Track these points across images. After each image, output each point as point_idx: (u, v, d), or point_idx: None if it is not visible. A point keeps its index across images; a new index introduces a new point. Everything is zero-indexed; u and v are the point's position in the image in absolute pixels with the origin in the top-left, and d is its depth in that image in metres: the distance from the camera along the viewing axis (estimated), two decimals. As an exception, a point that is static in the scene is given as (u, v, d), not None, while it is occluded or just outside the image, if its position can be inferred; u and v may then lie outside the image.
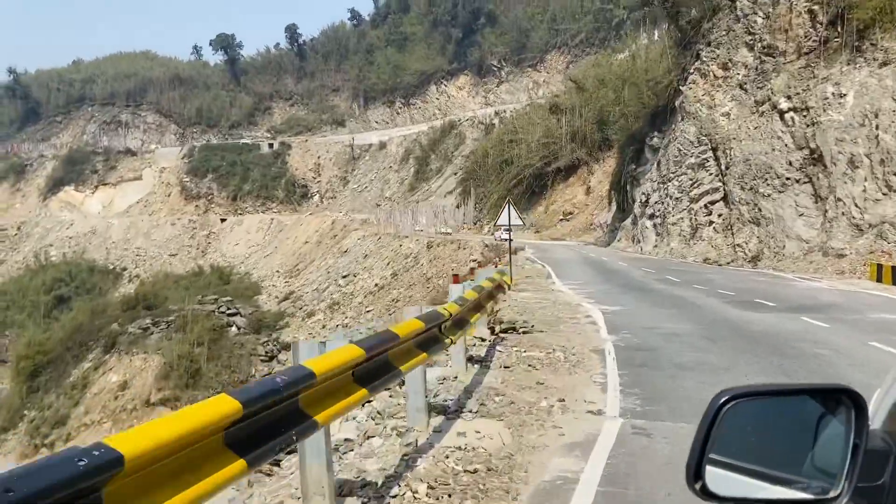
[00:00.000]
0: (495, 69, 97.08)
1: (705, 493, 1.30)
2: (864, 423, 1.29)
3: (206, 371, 29.64)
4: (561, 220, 54.86)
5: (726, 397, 1.33)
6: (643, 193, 37.99)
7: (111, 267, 78.29)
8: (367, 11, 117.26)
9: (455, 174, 68.80)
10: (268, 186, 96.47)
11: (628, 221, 41.37)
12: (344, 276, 45.24)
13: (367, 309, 34.02)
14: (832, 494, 1.26)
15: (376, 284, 37.88)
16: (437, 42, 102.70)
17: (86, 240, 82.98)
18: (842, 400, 1.33)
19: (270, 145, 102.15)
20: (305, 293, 49.45)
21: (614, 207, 46.49)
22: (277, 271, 75.03)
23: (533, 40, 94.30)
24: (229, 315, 36.46)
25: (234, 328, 35.56)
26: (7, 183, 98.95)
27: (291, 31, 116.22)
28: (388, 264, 41.03)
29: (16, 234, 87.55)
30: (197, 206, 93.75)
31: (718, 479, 1.31)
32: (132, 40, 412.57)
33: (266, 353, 32.13)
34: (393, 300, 31.92)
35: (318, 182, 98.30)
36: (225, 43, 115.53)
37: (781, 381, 6.90)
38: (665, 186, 34.61)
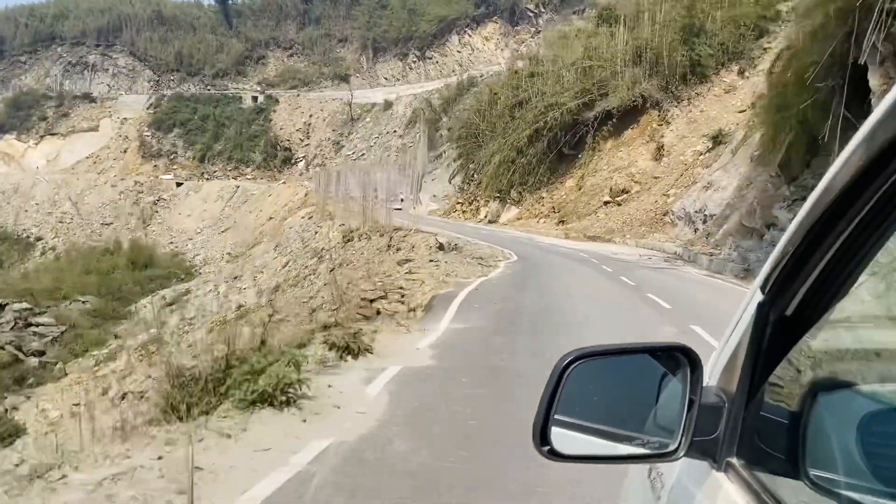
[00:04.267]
0: (531, 15, 77.80)
1: (552, 453, 1.32)
2: (698, 379, 1.32)
3: None
4: (607, 202, 33.56)
5: (571, 358, 1.33)
6: None
7: (23, 234, 61.78)
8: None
9: (449, 130, 49.73)
10: (243, 147, 79.18)
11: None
12: (235, 278, 27.45)
13: (192, 361, 16.15)
14: (670, 448, 1.31)
15: (241, 306, 19.97)
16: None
17: (3, 199, 66.66)
18: (679, 358, 1.35)
19: (255, 98, 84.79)
20: (198, 296, 31.71)
21: (772, 186, 19.94)
22: (229, 253, 57.96)
23: (582, -21, 74.77)
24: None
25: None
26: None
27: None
28: (284, 266, 23.16)
29: (-71, 188, 71.82)
30: (156, 166, 77.11)
31: (564, 439, 1.32)
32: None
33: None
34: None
35: (307, 146, 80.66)
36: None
37: None
38: None
